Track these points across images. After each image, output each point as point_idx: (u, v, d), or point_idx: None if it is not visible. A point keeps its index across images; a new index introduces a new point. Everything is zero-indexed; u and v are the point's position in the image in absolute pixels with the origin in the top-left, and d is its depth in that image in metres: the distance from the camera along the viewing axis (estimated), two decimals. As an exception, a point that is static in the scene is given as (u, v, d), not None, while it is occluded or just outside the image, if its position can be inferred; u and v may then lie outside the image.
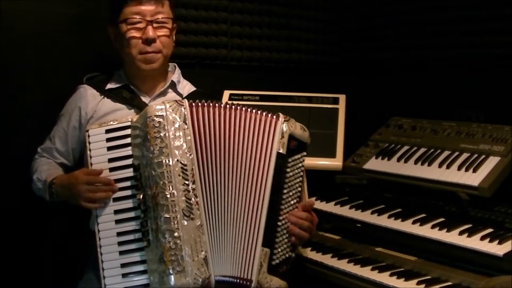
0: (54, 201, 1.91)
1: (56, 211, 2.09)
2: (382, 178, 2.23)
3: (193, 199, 1.69)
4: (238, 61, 2.70)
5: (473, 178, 1.96)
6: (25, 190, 2.03)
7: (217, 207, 1.73)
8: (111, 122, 1.82)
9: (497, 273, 1.70)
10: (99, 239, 1.74)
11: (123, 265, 1.72)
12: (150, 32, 1.95)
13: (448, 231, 1.87)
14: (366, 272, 1.89)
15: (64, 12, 2.20)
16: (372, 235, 2.08)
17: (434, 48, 2.61)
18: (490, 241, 1.76)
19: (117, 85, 2.06)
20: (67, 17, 2.21)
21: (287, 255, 1.81)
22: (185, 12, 2.52)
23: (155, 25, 1.96)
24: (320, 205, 2.25)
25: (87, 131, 1.82)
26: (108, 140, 1.79)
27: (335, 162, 2.19)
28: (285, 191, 1.82)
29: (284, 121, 1.84)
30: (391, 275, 1.85)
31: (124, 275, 1.71)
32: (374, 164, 2.27)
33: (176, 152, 1.70)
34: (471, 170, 2.00)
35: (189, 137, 1.73)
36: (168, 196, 1.67)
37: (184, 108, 1.76)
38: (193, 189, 1.70)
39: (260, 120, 1.83)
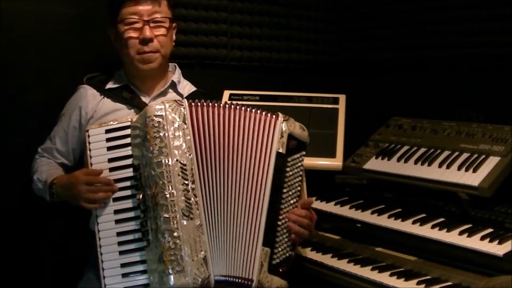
0: (54, 201, 1.91)
1: (56, 211, 2.09)
2: (382, 178, 2.23)
3: (192, 199, 1.69)
4: (238, 61, 2.70)
5: (473, 178, 1.96)
6: (25, 190, 2.04)
7: (216, 207, 1.73)
8: (111, 122, 1.82)
9: (497, 273, 1.70)
10: (99, 239, 1.74)
11: (123, 265, 1.72)
12: (147, 32, 1.95)
13: (448, 231, 1.87)
14: (366, 272, 1.89)
15: (64, 12, 2.20)
16: (372, 235, 2.08)
17: (434, 48, 2.60)
18: (490, 241, 1.76)
19: (117, 85, 2.06)
20: (67, 17, 2.21)
21: (287, 254, 1.81)
22: (185, 12, 2.52)
23: (152, 24, 1.96)
24: (320, 205, 2.24)
25: (87, 131, 1.82)
26: (108, 140, 1.79)
27: (335, 162, 2.19)
28: (285, 190, 1.82)
29: (283, 120, 1.84)
30: (391, 275, 1.85)
31: (124, 275, 1.71)
32: (374, 164, 2.27)
33: (176, 152, 1.70)
34: (471, 170, 1.99)
35: (189, 137, 1.73)
36: (168, 196, 1.66)
37: (184, 108, 1.76)
38: (193, 189, 1.69)
39: (260, 119, 1.82)
